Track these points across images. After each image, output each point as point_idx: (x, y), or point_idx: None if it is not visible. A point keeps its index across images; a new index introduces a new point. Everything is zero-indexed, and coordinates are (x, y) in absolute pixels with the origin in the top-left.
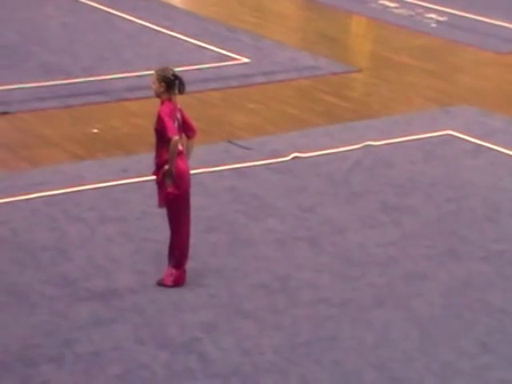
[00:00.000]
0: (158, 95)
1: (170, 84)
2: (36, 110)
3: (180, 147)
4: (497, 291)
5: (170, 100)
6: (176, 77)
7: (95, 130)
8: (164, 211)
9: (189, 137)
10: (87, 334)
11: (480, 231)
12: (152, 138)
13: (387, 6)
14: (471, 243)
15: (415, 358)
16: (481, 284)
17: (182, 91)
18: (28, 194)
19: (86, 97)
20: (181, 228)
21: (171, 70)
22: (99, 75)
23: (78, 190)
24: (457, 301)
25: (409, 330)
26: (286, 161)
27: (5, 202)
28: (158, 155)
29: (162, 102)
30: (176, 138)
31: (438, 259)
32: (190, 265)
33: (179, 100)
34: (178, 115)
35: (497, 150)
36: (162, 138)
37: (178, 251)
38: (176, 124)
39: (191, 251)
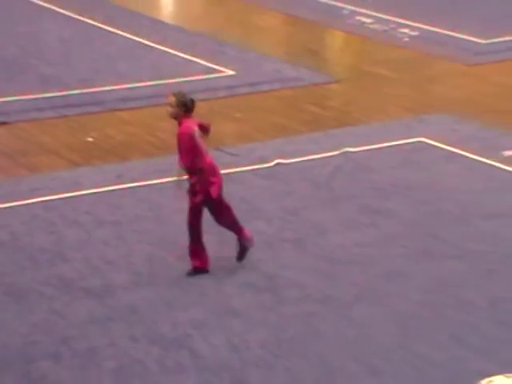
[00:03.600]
0: (175, 117)
1: (188, 107)
2: (34, 119)
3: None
4: (469, 288)
5: (187, 117)
6: (192, 100)
7: (91, 139)
8: (152, 216)
9: (207, 134)
10: (83, 331)
11: (454, 232)
12: (144, 146)
13: (363, 22)
14: (445, 243)
15: (394, 352)
16: (455, 281)
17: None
18: (27, 199)
19: (82, 107)
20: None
21: (186, 93)
22: (94, 87)
23: (74, 196)
24: (432, 297)
25: (387, 325)
26: (271, 166)
27: (5, 207)
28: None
29: (180, 123)
30: (183, 167)
31: (415, 258)
32: (181, 266)
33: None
34: (195, 127)
35: (467, 157)
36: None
37: (232, 226)
38: (196, 134)
39: (181, 252)
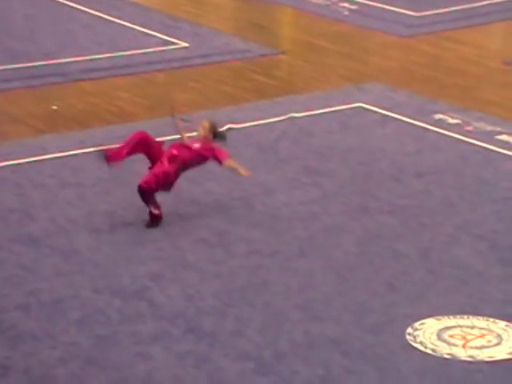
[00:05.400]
0: (201, 138)
1: (215, 134)
2: (2, 90)
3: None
4: (402, 240)
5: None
6: (222, 132)
7: (55, 107)
8: (112, 178)
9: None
10: (50, 284)
11: (388, 189)
12: (105, 114)
13: None
14: (380, 200)
15: (334, 299)
16: (389, 234)
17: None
18: None
19: (46, 78)
20: None
21: (218, 125)
22: (58, 59)
23: (40, 160)
24: (369, 249)
25: (328, 275)
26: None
27: None
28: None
29: (202, 141)
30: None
31: (352, 214)
32: (138, 223)
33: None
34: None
35: (401, 120)
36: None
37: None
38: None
39: (140, 211)
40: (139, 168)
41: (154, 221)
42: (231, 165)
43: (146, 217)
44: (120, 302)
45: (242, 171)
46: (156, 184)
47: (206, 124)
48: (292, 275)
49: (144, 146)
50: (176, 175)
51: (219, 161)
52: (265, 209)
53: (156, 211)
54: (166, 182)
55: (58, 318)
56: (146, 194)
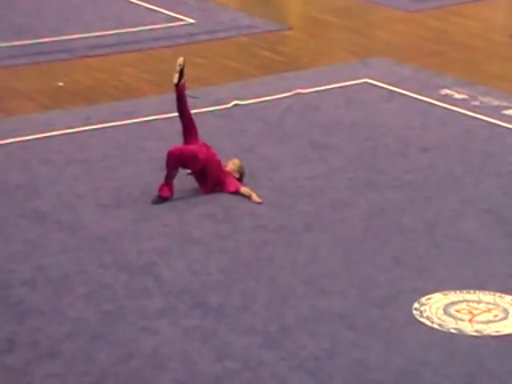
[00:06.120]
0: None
1: (240, 176)
2: (8, 66)
3: None
4: (408, 214)
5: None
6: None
7: (61, 84)
8: (118, 154)
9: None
10: (57, 260)
11: (393, 164)
12: (111, 90)
13: None
14: (386, 174)
15: (340, 274)
16: (394, 209)
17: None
18: (3, 140)
19: (52, 54)
20: None
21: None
22: (64, 35)
23: (47, 136)
24: (374, 224)
25: (334, 250)
26: (228, 108)
27: None
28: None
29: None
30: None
31: (359, 189)
32: (146, 199)
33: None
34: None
35: (407, 95)
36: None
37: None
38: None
39: (146, 187)
40: (146, 144)
41: (161, 199)
42: (245, 192)
43: (153, 193)
44: (126, 277)
45: (255, 198)
46: (181, 154)
47: (237, 162)
48: (298, 250)
49: (181, 161)
50: (201, 166)
51: (231, 190)
52: (271, 184)
53: (166, 193)
54: (190, 160)
55: (65, 294)
56: (171, 161)
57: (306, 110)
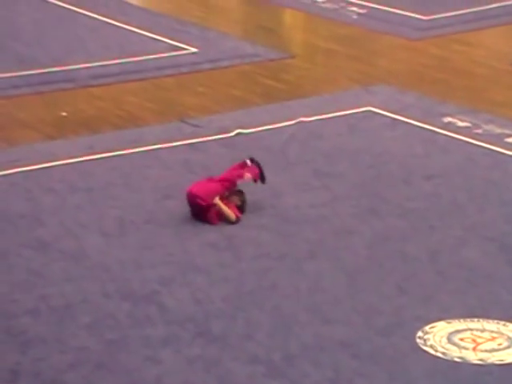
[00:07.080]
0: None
1: (240, 208)
2: (11, 96)
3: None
4: (411, 242)
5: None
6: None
7: (64, 113)
8: (121, 183)
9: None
10: (60, 289)
11: (397, 192)
12: (114, 119)
13: (315, 1)
14: (389, 202)
15: (343, 302)
16: (398, 237)
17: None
18: (6, 169)
19: (55, 84)
20: None
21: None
22: (67, 65)
23: (50, 166)
24: (378, 252)
25: (338, 277)
26: (231, 136)
27: None
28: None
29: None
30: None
31: (362, 217)
32: (149, 227)
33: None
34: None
35: (410, 123)
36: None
37: None
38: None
39: (149, 216)
40: (149, 173)
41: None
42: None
43: (156, 221)
44: (130, 306)
45: (231, 216)
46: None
47: (242, 196)
48: (301, 278)
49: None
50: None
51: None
52: (274, 211)
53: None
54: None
55: (68, 323)
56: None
57: (309, 138)
